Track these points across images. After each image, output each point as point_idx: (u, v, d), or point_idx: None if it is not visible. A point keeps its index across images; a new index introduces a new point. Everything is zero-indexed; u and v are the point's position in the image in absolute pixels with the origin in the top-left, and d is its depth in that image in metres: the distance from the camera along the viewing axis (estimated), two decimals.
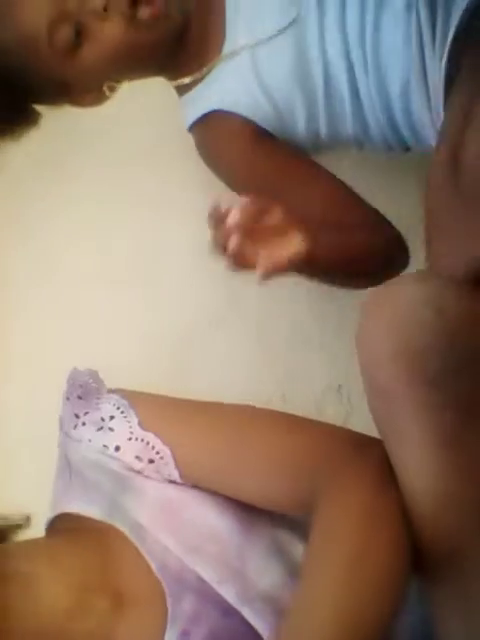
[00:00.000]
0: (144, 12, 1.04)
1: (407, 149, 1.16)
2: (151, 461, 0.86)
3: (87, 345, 1.47)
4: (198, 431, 0.88)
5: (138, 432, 0.86)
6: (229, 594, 0.81)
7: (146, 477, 0.86)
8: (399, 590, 0.76)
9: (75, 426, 0.89)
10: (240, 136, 1.14)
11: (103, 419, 0.88)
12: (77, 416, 0.89)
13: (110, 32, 1.05)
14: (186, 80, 1.15)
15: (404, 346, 0.77)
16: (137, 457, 0.86)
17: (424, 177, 1.39)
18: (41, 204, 1.51)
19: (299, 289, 1.46)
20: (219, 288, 1.46)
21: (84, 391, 0.91)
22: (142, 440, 0.86)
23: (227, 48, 1.10)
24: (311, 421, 0.91)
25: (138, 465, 0.86)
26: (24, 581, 0.78)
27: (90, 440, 0.88)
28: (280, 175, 1.15)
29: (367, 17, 1.04)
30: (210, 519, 0.84)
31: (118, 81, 1.14)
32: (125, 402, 0.89)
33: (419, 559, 0.80)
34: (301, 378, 1.45)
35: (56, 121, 1.49)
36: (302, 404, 1.42)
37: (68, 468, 0.89)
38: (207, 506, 0.86)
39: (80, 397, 0.91)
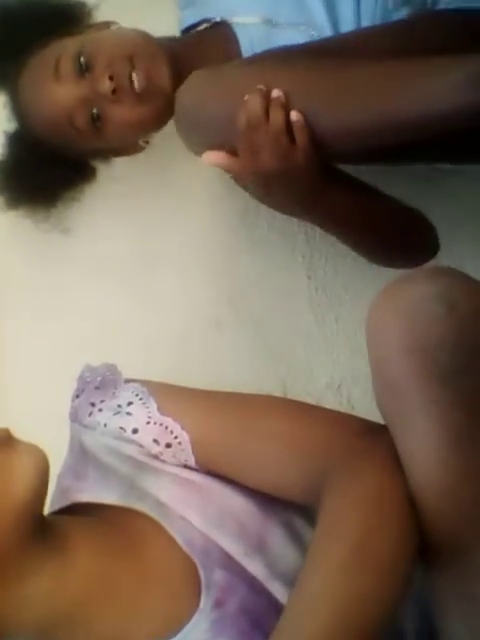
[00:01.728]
0: (140, 85, 1.14)
1: None
2: (168, 445, 0.87)
3: (88, 345, 1.47)
4: (214, 419, 0.89)
5: (157, 416, 0.88)
6: (257, 569, 0.82)
7: (163, 461, 0.88)
8: (404, 577, 0.76)
9: (90, 413, 0.91)
10: None
11: (120, 405, 0.90)
12: (93, 404, 0.91)
13: (122, 113, 1.16)
14: None
15: (415, 341, 0.76)
16: (155, 440, 0.87)
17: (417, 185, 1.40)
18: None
19: (299, 288, 1.46)
20: (219, 287, 1.46)
21: (102, 382, 0.93)
22: (160, 424, 0.88)
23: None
24: (322, 409, 0.92)
25: (155, 448, 0.87)
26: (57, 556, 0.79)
27: (105, 425, 0.89)
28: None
29: None
30: (228, 496, 0.86)
31: (150, 134, 1.26)
32: (144, 389, 0.91)
33: (422, 553, 0.80)
34: (301, 377, 1.45)
35: None
36: None
37: (82, 457, 0.91)
38: (225, 486, 0.87)
39: (97, 388, 0.93)
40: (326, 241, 1.43)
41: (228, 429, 0.88)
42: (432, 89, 0.90)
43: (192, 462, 0.87)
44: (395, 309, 0.78)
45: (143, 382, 0.93)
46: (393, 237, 1.12)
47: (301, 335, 1.46)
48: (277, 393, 1.44)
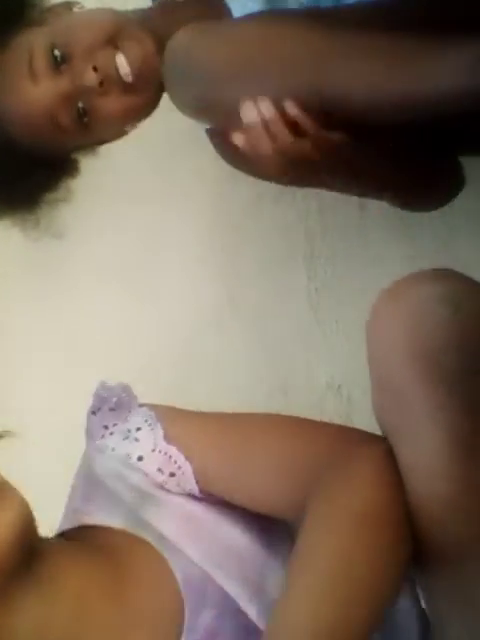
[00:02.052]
0: (127, 76, 1.04)
1: None
2: (172, 474, 0.86)
3: (88, 345, 1.48)
4: (216, 443, 0.88)
5: (162, 445, 0.87)
6: (251, 611, 0.80)
7: (167, 491, 0.86)
8: (388, 593, 0.74)
9: (102, 436, 0.90)
10: None
11: (130, 430, 0.89)
12: (106, 427, 0.90)
13: (112, 105, 1.06)
14: None
15: (420, 346, 0.74)
16: (159, 469, 0.86)
17: None
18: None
19: (299, 288, 1.46)
20: (220, 287, 1.46)
21: (117, 403, 0.91)
22: (165, 453, 0.86)
23: None
24: (317, 424, 0.89)
25: (160, 477, 0.86)
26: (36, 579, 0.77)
27: (113, 449, 0.88)
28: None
29: None
30: (231, 534, 0.85)
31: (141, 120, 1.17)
32: (152, 414, 0.89)
33: (421, 563, 0.79)
34: (301, 377, 1.45)
35: None
36: (302, 404, 1.42)
37: (91, 480, 0.90)
38: (228, 522, 0.86)
39: (112, 409, 0.91)
40: (326, 241, 1.43)
41: (229, 452, 0.86)
42: (438, 69, 0.87)
43: (196, 491, 0.86)
44: (398, 312, 0.76)
45: (152, 406, 0.91)
46: (413, 181, 1.10)
47: (301, 335, 1.46)
48: (277, 393, 1.44)
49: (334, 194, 1.38)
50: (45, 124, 1.06)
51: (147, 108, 1.11)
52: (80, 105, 1.05)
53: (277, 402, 1.42)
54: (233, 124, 0.96)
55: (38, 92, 1.04)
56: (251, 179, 1.41)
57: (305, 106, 0.92)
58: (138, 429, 0.88)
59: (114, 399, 0.91)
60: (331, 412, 1.41)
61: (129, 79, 1.04)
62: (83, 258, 1.48)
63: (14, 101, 1.05)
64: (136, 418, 0.89)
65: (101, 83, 1.03)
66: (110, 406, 0.91)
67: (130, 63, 1.03)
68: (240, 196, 1.43)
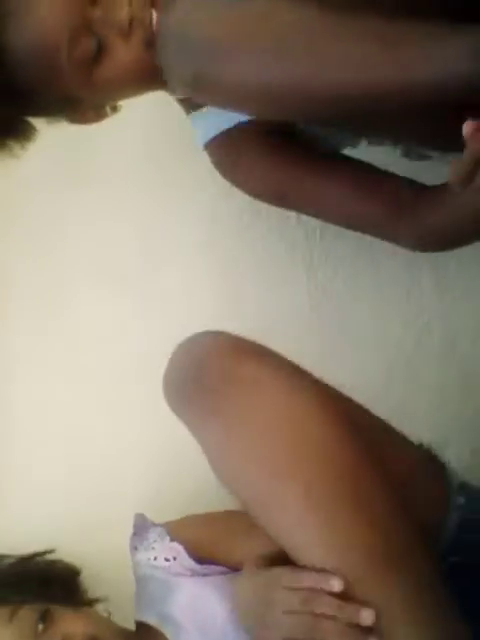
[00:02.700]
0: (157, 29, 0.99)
1: None
2: (174, 558, 1.08)
3: (88, 345, 1.48)
4: (203, 521, 1.15)
5: (167, 543, 1.10)
6: None
7: (179, 575, 1.07)
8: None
9: (134, 555, 1.14)
10: (257, 149, 1.14)
11: (149, 543, 1.13)
12: (136, 548, 1.14)
13: (130, 53, 1.02)
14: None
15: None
16: (166, 559, 1.09)
17: None
18: (42, 204, 1.51)
19: (299, 288, 1.46)
20: (219, 288, 1.46)
21: (137, 528, 1.15)
22: (169, 548, 1.09)
23: None
24: None
25: (168, 564, 1.08)
26: None
27: (139, 560, 1.12)
28: (299, 182, 1.14)
29: None
30: (218, 605, 1.03)
31: (122, 100, 1.13)
32: (162, 529, 1.12)
33: None
34: None
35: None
36: None
37: (138, 584, 1.12)
38: (219, 594, 1.04)
39: (135, 534, 1.15)
40: (326, 241, 1.43)
41: (214, 523, 1.12)
42: (437, 53, 0.84)
43: (193, 563, 1.06)
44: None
45: (165, 523, 1.14)
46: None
47: (301, 335, 1.46)
48: None
49: None
50: (62, 46, 0.99)
51: (152, 78, 1.04)
52: (98, 39, 1.00)
53: None
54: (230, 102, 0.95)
55: (71, 7, 0.98)
56: None
57: (304, 87, 0.89)
58: (154, 541, 1.12)
59: (134, 527, 1.15)
60: None
61: (157, 28, 0.98)
62: (83, 258, 1.48)
63: (41, 14, 0.98)
64: (152, 535, 1.13)
65: (130, 23, 0.99)
66: (134, 531, 1.15)
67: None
68: (240, 196, 1.43)
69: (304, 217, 1.41)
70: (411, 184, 1.10)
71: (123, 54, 1.02)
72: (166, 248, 1.47)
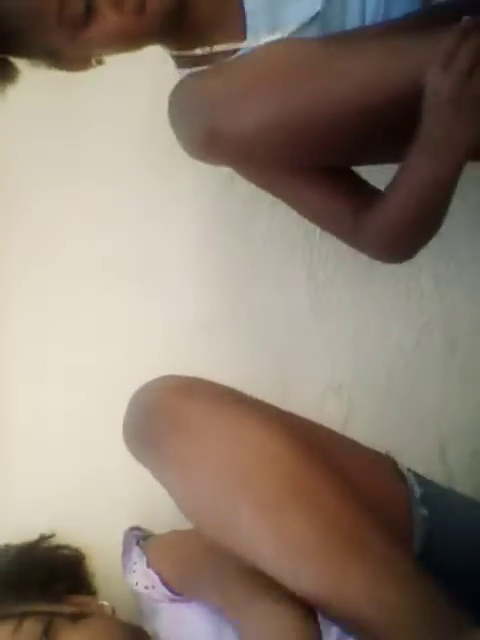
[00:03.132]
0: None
1: None
2: (153, 586, 1.08)
3: (88, 344, 1.48)
4: (180, 548, 1.11)
5: (145, 569, 1.10)
6: None
7: (158, 601, 1.08)
8: None
9: (124, 574, 1.14)
10: None
11: (131, 567, 1.13)
12: (124, 567, 1.13)
13: (118, 22, 1.00)
14: (197, 51, 1.08)
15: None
16: (146, 587, 1.09)
17: None
18: (39, 204, 1.51)
19: (299, 288, 1.46)
20: (219, 286, 1.46)
21: (124, 546, 1.15)
22: (146, 575, 1.09)
23: (249, 36, 1.06)
24: None
25: (147, 592, 1.08)
26: None
27: (129, 582, 1.12)
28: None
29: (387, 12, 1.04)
30: (200, 627, 1.04)
31: (108, 55, 1.10)
32: (141, 551, 1.12)
33: None
34: (301, 377, 1.45)
35: (56, 119, 1.49)
36: (302, 404, 1.42)
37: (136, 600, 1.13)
38: (199, 617, 1.05)
39: (124, 552, 1.15)
40: (326, 241, 1.43)
41: (191, 543, 1.09)
42: (406, 65, 0.91)
43: (168, 593, 1.06)
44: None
45: (144, 544, 1.13)
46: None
47: (301, 335, 1.46)
48: (277, 393, 1.43)
49: None
50: (51, 7, 0.98)
51: (141, 40, 1.05)
52: (89, 2, 0.98)
53: (277, 402, 1.42)
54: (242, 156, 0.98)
55: None
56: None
57: (313, 113, 0.94)
58: (135, 563, 1.12)
59: (122, 545, 1.15)
60: (330, 412, 1.41)
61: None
62: (83, 258, 1.48)
63: None
64: (134, 556, 1.13)
65: None
66: (123, 550, 1.15)
67: None
68: (240, 196, 1.43)
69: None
70: (367, 186, 1.11)
71: (112, 20, 0.99)
72: (166, 247, 1.47)
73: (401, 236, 1.07)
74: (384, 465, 1.05)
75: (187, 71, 1.09)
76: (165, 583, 1.07)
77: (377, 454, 1.06)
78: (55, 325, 1.47)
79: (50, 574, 1.17)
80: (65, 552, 1.23)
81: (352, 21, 1.06)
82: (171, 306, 1.46)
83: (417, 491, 1.01)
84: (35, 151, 1.47)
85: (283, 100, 0.95)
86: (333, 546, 0.86)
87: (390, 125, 0.95)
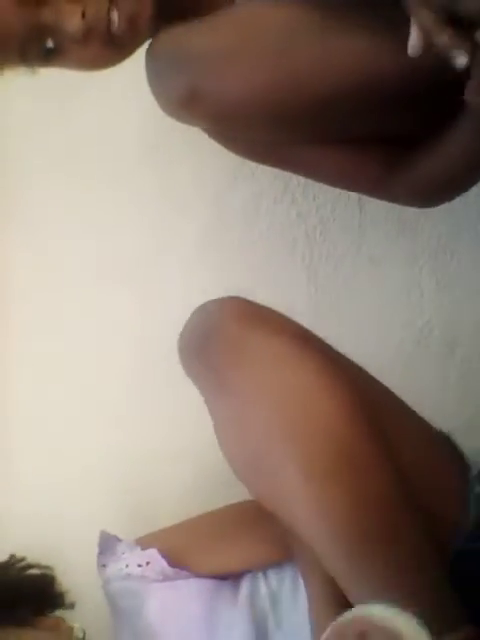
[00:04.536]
0: (119, 28, 0.91)
1: None
2: (148, 563, 1.07)
3: (88, 343, 1.48)
4: (180, 525, 1.14)
5: (138, 551, 1.09)
6: None
7: (152, 581, 1.07)
8: None
9: (103, 572, 1.12)
10: None
11: (117, 555, 1.11)
12: (104, 565, 1.12)
13: (85, 55, 0.94)
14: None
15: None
16: (139, 565, 1.08)
17: None
18: (40, 202, 1.51)
19: (299, 288, 1.46)
20: (219, 287, 1.46)
21: (103, 546, 1.13)
22: (141, 555, 1.08)
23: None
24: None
25: (140, 570, 1.07)
26: None
27: (109, 576, 1.11)
28: None
29: None
30: (194, 606, 1.06)
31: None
32: (130, 541, 1.12)
33: None
34: None
35: (56, 118, 1.49)
36: None
37: (112, 609, 1.12)
38: (193, 594, 1.06)
39: (101, 552, 1.13)
40: (326, 241, 1.43)
41: (183, 531, 1.12)
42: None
43: (165, 565, 1.06)
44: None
45: (134, 540, 1.12)
46: None
47: None
48: None
49: (334, 194, 1.39)
50: (11, 51, 0.92)
51: (115, 62, 0.98)
52: (50, 45, 0.92)
53: None
54: (225, 119, 0.92)
55: (15, 14, 0.89)
56: (251, 179, 1.42)
57: (303, 82, 0.89)
58: (123, 553, 1.11)
59: (99, 546, 1.13)
60: None
61: (119, 33, 0.91)
62: (83, 258, 1.48)
63: None
64: (120, 548, 1.12)
65: (84, 35, 0.90)
66: (98, 551, 1.13)
67: (125, 19, 0.91)
68: (240, 196, 1.43)
69: (304, 214, 1.41)
70: (403, 138, 1.08)
71: (80, 56, 0.94)
72: (166, 246, 1.47)
73: (444, 189, 1.05)
74: (442, 441, 1.03)
75: None
76: (164, 555, 1.06)
77: (437, 431, 1.04)
78: (55, 325, 1.48)
79: (16, 597, 1.13)
80: (34, 572, 1.18)
81: None
82: (170, 305, 1.46)
83: (474, 469, 0.99)
84: (35, 152, 1.47)
85: (272, 68, 0.89)
86: (367, 525, 0.85)
87: (387, 100, 0.91)
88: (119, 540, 1.13)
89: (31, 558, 1.18)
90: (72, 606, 1.17)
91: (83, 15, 0.89)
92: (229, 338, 0.91)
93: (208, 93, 0.89)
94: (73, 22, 0.89)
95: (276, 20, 0.91)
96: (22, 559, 1.19)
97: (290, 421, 0.87)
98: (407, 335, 1.42)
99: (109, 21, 0.90)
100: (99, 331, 1.45)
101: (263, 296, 1.48)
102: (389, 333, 1.43)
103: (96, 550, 1.13)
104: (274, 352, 0.90)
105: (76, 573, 1.19)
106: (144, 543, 1.11)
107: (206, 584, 1.07)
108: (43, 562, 1.18)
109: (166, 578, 1.07)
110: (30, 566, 1.18)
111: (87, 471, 1.43)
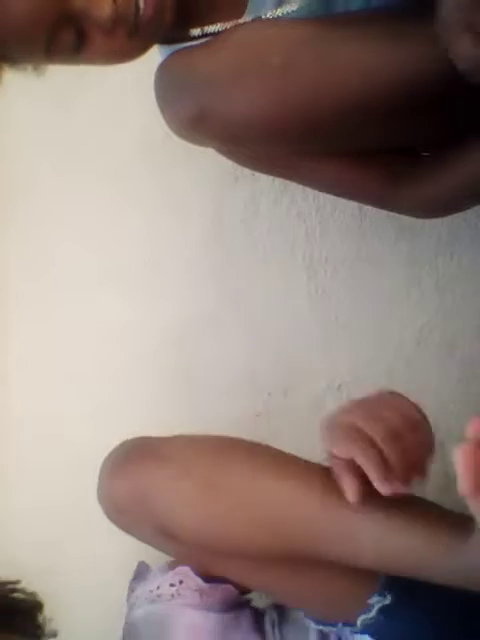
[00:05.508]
0: (147, 15, 0.93)
1: None
2: (181, 582, 1.04)
3: (88, 344, 1.48)
4: None
5: (167, 571, 1.06)
6: None
7: (181, 604, 1.04)
8: None
9: (130, 596, 1.09)
10: None
11: (148, 579, 1.09)
12: (132, 590, 1.09)
13: (110, 45, 0.95)
14: (195, 32, 1.02)
15: None
16: (171, 584, 1.04)
17: None
18: (40, 203, 1.51)
19: (299, 288, 1.46)
20: (219, 287, 1.46)
21: (137, 574, 1.11)
22: (173, 574, 1.05)
23: (248, 15, 1.01)
24: None
25: (172, 590, 1.04)
26: None
27: (137, 597, 1.07)
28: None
29: None
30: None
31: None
32: (163, 564, 1.08)
33: None
34: (301, 377, 1.45)
35: (56, 119, 1.49)
36: (302, 404, 1.42)
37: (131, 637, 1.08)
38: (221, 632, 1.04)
39: (134, 578, 1.10)
40: (326, 241, 1.43)
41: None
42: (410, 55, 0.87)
43: (201, 581, 1.02)
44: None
45: (168, 563, 1.09)
46: None
47: (301, 335, 1.46)
48: (277, 393, 1.44)
49: None
50: (39, 41, 0.92)
51: (134, 56, 1.00)
52: (79, 31, 0.92)
53: (277, 402, 1.42)
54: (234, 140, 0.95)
55: (48, 5, 0.90)
56: (251, 179, 1.42)
57: (309, 99, 0.90)
58: (154, 575, 1.08)
59: (134, 573, 1.11)
60: (331, 412, 1.41)
61: (144, 21, 0.92)
62: (83, 258, 1.48)
63: (17, 9, 0.89)
64: (153, 572, 1.09)
65: (114, 23, 0.91)
66: (133, 577, 1.11)
67: (151, 6, 0.92)
68: (240, 196, 1.43)
69: (305, 215, 1.42)
70: (409, 152, 1.08)
71: (106, 47, 0.95)
72: (166, 247, 1.48)
73: (450, 207, 1.07)
74: None
75: (169, 48, 1.03)
76: (196, 573, 1.04)
77: None
78: (55, 326, 1.48)
79: (7, 612, 1.08)
80: (19, 597, 1.12)
81: (357, 2, 1.01)
82: (171, 306, 1.46)
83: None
84: (35, 153, 1.47)
85: (277, 87, 0.91)
86: None
87: (393, 114, 0.92)
88: (152, 568, 1.11)
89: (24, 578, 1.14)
90: (54, 635, 1.11)
91: (115, 1, 0.90)
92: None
93: (216, 114, 0.91)
94: (104, 8, 0.90)
95: (280, 39, 0.93)
96: (12, 582, 1.13)
97: None
98: (407, 335, 1.42)
99: (137, 8, 0.91)
100: (99, 331, 1.46)
101: (263, 296, 1.49)
102: (389, 333, 1.43)
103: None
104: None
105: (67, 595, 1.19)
106: (173, 563, 1.08)
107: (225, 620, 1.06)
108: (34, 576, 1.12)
109: (200, 602, 1.05)
110: (14, 590, 1.12)
111: (86, 471, 1.44)
